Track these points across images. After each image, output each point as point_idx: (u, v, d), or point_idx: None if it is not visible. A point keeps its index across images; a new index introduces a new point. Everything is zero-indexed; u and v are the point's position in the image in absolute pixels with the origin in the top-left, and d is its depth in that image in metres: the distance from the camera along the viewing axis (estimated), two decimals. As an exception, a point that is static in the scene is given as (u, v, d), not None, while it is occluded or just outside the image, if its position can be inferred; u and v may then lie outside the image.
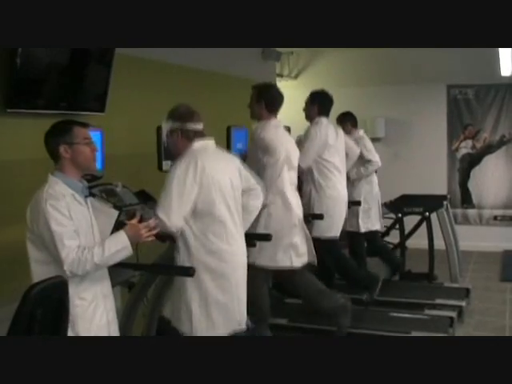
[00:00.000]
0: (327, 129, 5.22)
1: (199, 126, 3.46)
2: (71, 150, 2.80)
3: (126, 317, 3.87)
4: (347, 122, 6.20)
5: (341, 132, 5.47)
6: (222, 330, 3.35)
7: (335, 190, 5.20)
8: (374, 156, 6.18)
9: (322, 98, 5.32)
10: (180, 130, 3.42)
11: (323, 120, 5.25)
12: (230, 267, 3.38)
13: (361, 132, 6.33)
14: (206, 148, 3.44)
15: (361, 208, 6.01)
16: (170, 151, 3.64)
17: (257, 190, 3.72)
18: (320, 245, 4.89)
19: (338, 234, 5.26)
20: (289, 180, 4.41)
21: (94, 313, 2.82)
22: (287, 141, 4.48)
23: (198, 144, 3.41)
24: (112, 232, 3.05)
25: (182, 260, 3.34)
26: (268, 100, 4.41)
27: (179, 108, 3.51)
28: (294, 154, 4.52)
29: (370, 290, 5.40)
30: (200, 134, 3.45)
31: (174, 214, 3.23)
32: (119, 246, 2.77)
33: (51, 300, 2.40)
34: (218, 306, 3.34)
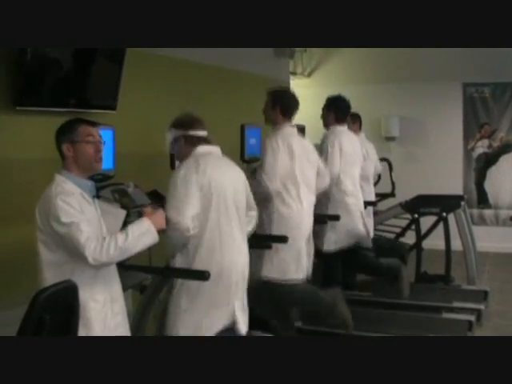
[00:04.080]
0: (342, 137, 5.08)
1: (202, 133, 3.44)
2: (73, 148, 2.75)
3: (137, 320, 3.80)
4: (355, 123, 6.04)
5: (356, 140, 5.34)
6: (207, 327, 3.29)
7: (349, 200, 5.08)
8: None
9: (339, 103, 5.18)
10: (183, 136, 3.41)
11: (339, 128, 5.11)
12: (227, 277, 3.32)
13: (362, 135, 6.17)
14: (209, 153, 3.42)
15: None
16: (176, 159, 3.62)
17: (252, 214, 3.65)
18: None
19: (352, 242, 5.15)
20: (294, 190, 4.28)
21: (106, 315, 2.76)
22: (298, 149, 4.31)
23: (201, 148, 3.40)
24: None
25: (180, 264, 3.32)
26: (283, 105, 4.34)
27: (181, 116, 3.51)
28: (308, 163, 4.37)
29: None
30: (204, 140, 3.43)
31: (185, 214, 3.19)
32: (143, 229, 2.72)
33: (60, 305, 2.31)
34: (204, 301, 3.28)
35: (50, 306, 2.20)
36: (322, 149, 5.00)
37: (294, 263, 4.27)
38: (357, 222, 5.16)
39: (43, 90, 3.80)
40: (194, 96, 5.27)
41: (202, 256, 3.27)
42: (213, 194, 3.26)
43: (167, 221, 3.07)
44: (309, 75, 8.98)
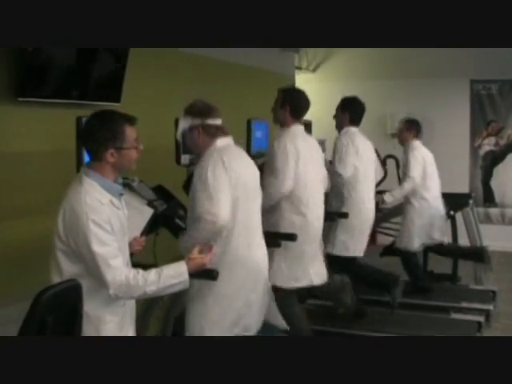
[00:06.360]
0: (357, 138, 4.93)
1: (219, 122, 3.30)
2: (119, 154, 2.49)
3: (140, 320, 3.70)
4: (413, 130, 5.91)
5: (369, 143, 5.16)
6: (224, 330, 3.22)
7: (362, 203, 4.90)
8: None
9: (355, 105, 5.02)
10: (201, 126, 3.25)
11: (353, 129, 4.95)
12: (250, 270, 3.26)
13: (416, 143, 5.94)
14: (228, 146, 3.30)
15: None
16: (188, 148, 3.48)
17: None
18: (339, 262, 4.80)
19: (361, 254, 4.99)
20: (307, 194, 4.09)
21: (123, 326, 2.62)
22: (303, 150, 4.09)
23: (221, 142, 3.26)
24: (144, 231, 2.86)
25: None
26: (293, 105, 4.12)
27: (197, 103, 3.33)
28: (313, 162, 4.16)
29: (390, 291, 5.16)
30: (221, 130, 3.30)
31: (222, 209, 3.07)
32: (177, 280, 2.54)
33: (64, 306, 2.20)
34: (225, 308, 3.21)
35: (53, 307, 2.10)
36: (335, 149, 4.86)
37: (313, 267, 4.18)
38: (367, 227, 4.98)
39: (46, 80, 3.71)
40: (200, 89, 5.17)
41: (232, 250, 3.19)
42: (239, 189, 3.17)
43: (198, 215, 3.01)
44: (314, 70, 8.88)
